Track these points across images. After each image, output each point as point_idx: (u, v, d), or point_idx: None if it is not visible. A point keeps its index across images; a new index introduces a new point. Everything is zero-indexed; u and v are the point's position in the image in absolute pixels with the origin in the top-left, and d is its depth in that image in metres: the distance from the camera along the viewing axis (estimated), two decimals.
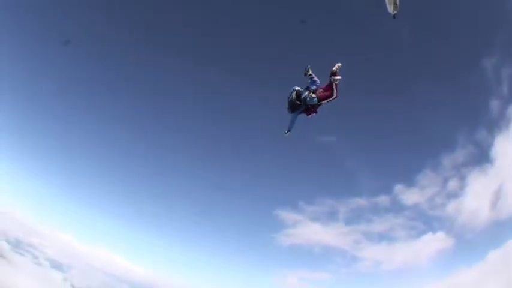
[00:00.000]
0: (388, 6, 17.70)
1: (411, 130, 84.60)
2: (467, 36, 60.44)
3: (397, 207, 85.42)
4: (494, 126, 65.23)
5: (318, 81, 11.89)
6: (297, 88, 11.73)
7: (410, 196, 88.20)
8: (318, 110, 11.84)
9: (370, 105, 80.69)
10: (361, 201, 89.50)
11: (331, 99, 11.61)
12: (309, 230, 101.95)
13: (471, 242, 75.45)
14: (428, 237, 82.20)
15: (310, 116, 11.93)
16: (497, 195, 68.81)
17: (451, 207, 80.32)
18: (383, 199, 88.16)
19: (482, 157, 71.39)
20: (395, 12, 17.35)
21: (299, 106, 11.67)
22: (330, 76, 11.66)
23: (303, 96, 11.53)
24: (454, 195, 79.05)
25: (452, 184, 78.95)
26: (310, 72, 11.79)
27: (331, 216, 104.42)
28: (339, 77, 11.49)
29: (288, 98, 11.68)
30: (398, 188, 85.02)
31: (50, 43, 72.00)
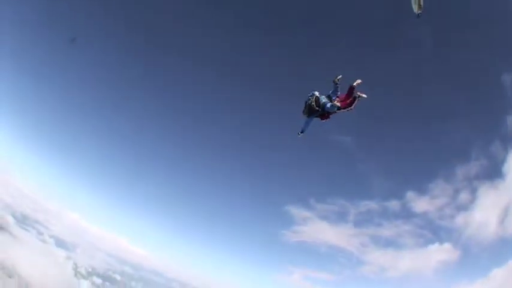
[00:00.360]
0: (413, 5, 17.62)
1: (428, 138, 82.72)
2: (490, 51, 58.42)
3: (406, 214, 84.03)
4: (509, 141, 63.18)
5: (339, 92, 11.96)
6: (317, 94, 11.77)
7: (421, 204, 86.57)
8: (331, 116, 11.95)
9: (390, 110, 79.04)
10: (372, 204, 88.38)
11: (347, 110, 11.92)
12: (318, 228, 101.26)
13: (476, 257, 73.61)
14: (435, 247, 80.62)
15: (323, 121, 12.08)
16: (506, 212, 66.62)
17: (460, 219, 78.47)
18: (394, 204, 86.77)
19: (494, 171, 69.37)
20: (419, 12, 17.48)
21: (316, 111, 11.73)
22: (349, 90, 11.91)
23: (321, 103, 11.66)
24: (464, 207, 77.27)
25: (463, 196, 77.05)
26: (339, 82, 11.85)
27: (340, 217, 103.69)
28: (364, 95, 11.86)
29: (307, 102, 11.74)
30: (409, 194, 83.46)
31: (57, 41, 73.77)
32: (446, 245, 75.70)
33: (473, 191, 72.65)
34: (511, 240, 65.24)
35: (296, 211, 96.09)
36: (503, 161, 64.68)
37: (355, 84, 11.83)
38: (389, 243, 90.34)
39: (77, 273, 64.71)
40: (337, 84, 11.72)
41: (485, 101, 66.31)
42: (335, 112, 11.77)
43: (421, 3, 17.10)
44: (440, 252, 75.76)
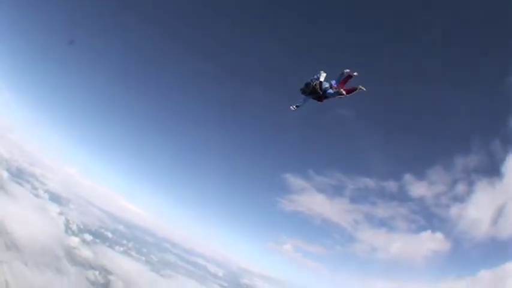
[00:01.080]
0: None
1: (432, 124, 79.74)
2: (501, 52, 56.10)
3: (402, 197, 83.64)
4: (509, 142, 61.51)
5: (340, 81, 12.90)
6: (322, 79, 12.61)
7: (418, 189, 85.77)
8: (324, 100, 12.97)
9: (398, 91, 75.53)
10: (369, 182, 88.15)
11: (342, 96, 12.82)
12: (314, 200, 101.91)
13: (467, 253, 73.51)
14: (427, 234, 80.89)
15: (319, 102, 13.02)
16: (500, 212, 65.56)
17: (454, 210, 77.85)
18: (391, 185, 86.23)
19: (493, 169, 68.19)
20: None
21: (317, 93, 12.64)
22: (346, 78, 12.74)
23: (323, 87, 12.60)
24: (459, 198, 76.55)
25: (460, 187, 75.89)
26: (345, 74, 12.71)
27: (337, 191, 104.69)
28: (364, 88, 12.77)
29: (310, 83, 12.63)
30: (407, 177, 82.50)
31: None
32: (438, 235, 76.04)
33: (471, 184, 72.48)
34: (502, 243, 64.85)
35: (294, 180, 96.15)
36: (502, 161, 63.84)
37: (354, 74, 12.72)
38: (383, 224, 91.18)
39: (67, 229, 66.48)
40: (343, 75, 12.69)
41: (491, 98, 65.36)
42: (330, 97, 12.78)
43: None
44: (431, 241, 76.05)
